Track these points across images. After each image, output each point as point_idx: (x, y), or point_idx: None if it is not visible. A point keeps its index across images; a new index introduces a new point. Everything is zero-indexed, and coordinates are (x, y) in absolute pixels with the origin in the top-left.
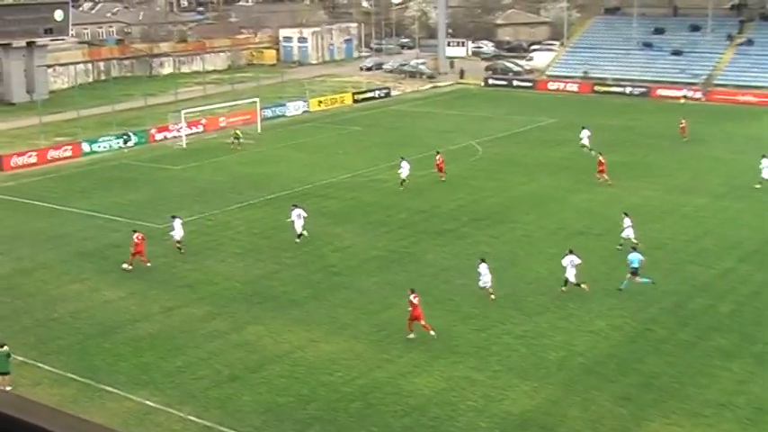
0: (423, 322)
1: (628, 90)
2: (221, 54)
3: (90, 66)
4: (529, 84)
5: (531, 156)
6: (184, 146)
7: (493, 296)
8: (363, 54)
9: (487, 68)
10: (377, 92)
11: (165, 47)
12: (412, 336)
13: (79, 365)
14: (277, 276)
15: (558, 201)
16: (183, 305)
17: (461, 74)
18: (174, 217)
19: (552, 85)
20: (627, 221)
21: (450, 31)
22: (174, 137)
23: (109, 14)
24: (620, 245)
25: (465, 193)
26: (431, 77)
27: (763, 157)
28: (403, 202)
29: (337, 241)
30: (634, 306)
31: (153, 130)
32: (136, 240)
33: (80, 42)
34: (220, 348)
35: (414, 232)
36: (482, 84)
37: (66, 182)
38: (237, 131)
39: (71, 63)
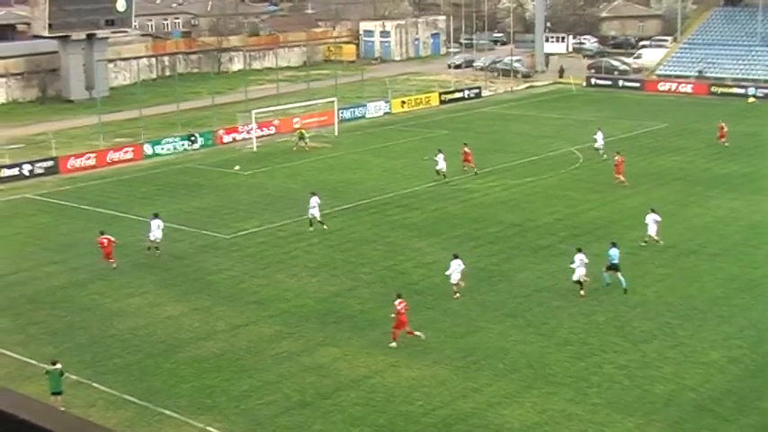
0: (407, 328)
1: (750, 91)
2: (296, 49)
3: (154, 60)
4: (636, 84)
5: (638, 164)
6: (255, 149)
7: (457, 294)
8: (452, 50)
9: (590, 67)
10: (466, 92)
11: (234, 40)
12: (394, 344)
13: (137, 387)
14: (354, 294)
15: (668, 215)
16: (251, 323)
17: (561, 73)
18: (154, 216)
19: (663, 86)
20: (652, 217)
21: (548, 24)
22: (244, 139)
23: (175, 5)
24: (645, 241)
25: (563, 205)
26: (527, 76)
27: None
28: (493, 214)
29: (420, 256)
30: (754, 335)
31: (221, 132)
32: (103, 242)
33: (143, 35)
34: (290, 371)
35: (505, 248)
36: (584, 84)
37: (126, 186)
38: (303, 131)
39: (133, 57)
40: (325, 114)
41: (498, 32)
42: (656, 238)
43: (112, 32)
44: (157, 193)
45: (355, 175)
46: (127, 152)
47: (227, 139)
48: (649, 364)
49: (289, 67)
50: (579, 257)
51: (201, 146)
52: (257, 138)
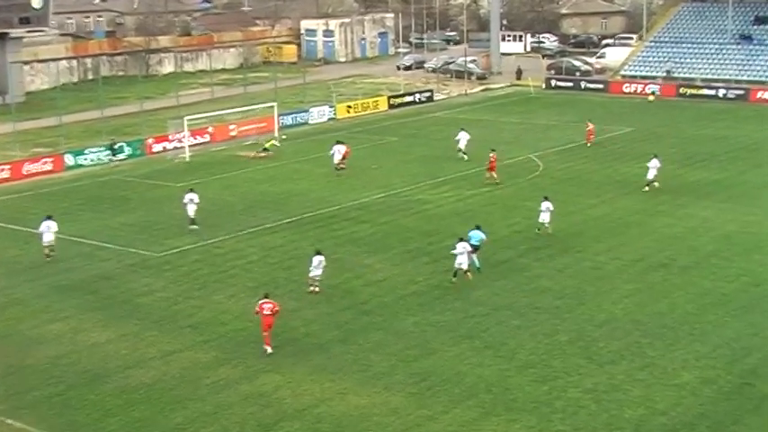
0: (265, 333)
1: (721, 93)
2: (231, 50)
3: (75, 63)
4: (600, 86)
5: (602, 172)
6: (187, 159)
7: (316, 288)
8: (401, 50)
9: (550, 67)
10: (417, 95)
11: (164, 41)
12: (269, 350)
13: (58, 421)
14: (298, 315)
15: (635, 226)
16: (185, 349)
17: (518, 74)
18: (47, 217)
19: (628, 88)
20: (545, 205)
21: (504, 22)
22: (176, 148)
23: (98, 1)
24: (538, 229)
25: (522, 216)
26: (482, 78)
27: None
28: (448, 226)
29: (369, 274)
30: (729, 354)
31: (150, 140)
32: None
33: (63, 35)
34: (229, 401)
35: None
36: (543, 86)
37: (45, 201)
38: (274, 141)
39: (52, 59)
40: (265, 120)
41: (451, 31)
42: (546, 226)
43: (28, 32)
44: (80, 208)
45: (298, 186)
46: (45, 163)
47: (156, 148)
48: (617, 387)
49: (224, 70)
50: (462, 245)
51: (129, 156)
52: (190, 147)
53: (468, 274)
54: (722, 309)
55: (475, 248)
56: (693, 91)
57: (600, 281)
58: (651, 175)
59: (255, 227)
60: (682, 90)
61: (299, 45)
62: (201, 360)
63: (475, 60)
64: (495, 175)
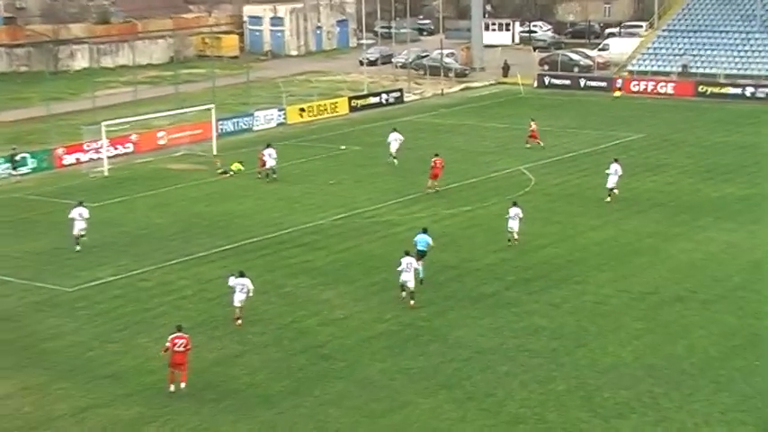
0: (174, 371)
1: (749, 91)
2: (160, 41)
3: None
4: (603, 84)
5: (606, 188)
6: (106, 173)
7: (239, 321)
8: (364, 42)
9: (543, 62)
10: (384, 96)
11: (77, 29)
12: (172, 388)
13: None
14: (240, 361)
15: (646, 252)
16: (103, 404)
17: (505, 70)
18: (79, 204)
19: (637, 86)
20: (513, 211)
21: (488, 8)
22: (91, 160)
23: None
24: (509, 240)
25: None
26: (461, 75)
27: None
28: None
29: (327, 311)
30: (760, 407)
31: (59, 151)
32: None
33: None
34: None
35: (438, 298)
36: (535, 84)
37: None
38: (239, 166)
39: None
40: (200, 127)
41: (424, 19)
42: (515, 236)
43: None
44: None
45: (241, 206)
46: None
47: (68, 160)
48: None
49: (151, 65)
50: (407, 261)
51: (33, 170)
52: (109, 158)
53: (412, 302)
54: (752, 352)
55: (421, 255)
56: (715, 89)
57: (604, 318)
58: (612, 182)
59: (189, 255)
60: (701, 88)
61: (241, 35)
62: (123, 417)
63: (453, 54)
64: (437, 184)
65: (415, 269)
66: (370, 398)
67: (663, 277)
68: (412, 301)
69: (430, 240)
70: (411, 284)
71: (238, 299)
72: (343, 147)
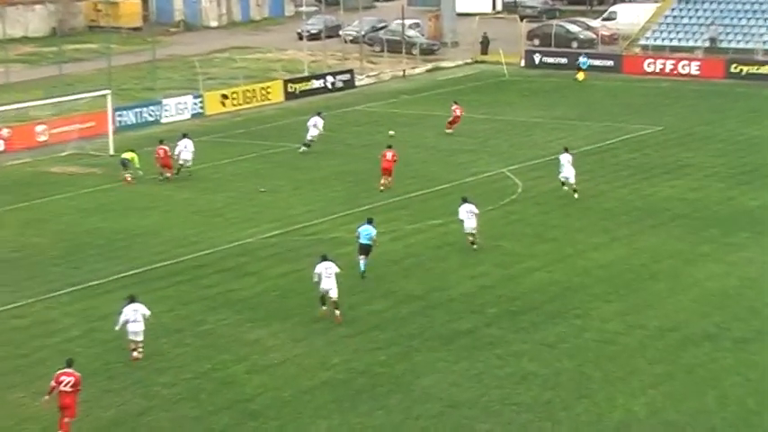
0: (68, 420)
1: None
2: (38, 8)
3: None
4: (609, 63)
5: (613, 195)
6: None
7: (138, 354)
8: (304, 10)
9: (532, 35)
10: (330, 79)
11: None
12: None
13: None
14: (145, 421)
15: (664, 277)
16: None
17: (485, 45)
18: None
19: (652, 65)
20: (465, 208)
21: None
22: None
23: None
24: (473, 243)
25: (492, 263)
26: (429, 52)
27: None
28: (380, 280)
29: (257, 354)
30: None
31: None
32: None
33: None
34: None
35: (399, 337)
36: (522, 63)
37: None
38: (132, 155)
39: None
40: (92, 118)
41: None
42: (473, 233)
43: None
44: None
45: (146, 221)
46: None
47: None
48: None
49: (27, 39)
50: (325, 266)
51: None
52: None
53: (338, 312)
54: None
55: (365, 250)
56: (751, 69)
57: (611, 362)
58: (569, 173)
59: (78, 284)
60: (733, 68)
61: (145, 1)
62: None
63: (418, 25)
64: (390, 180)
65: (360, 263)
66: None
67: (686, 309)
68: (337, 312)
69: (374, 233)
70: (334, 293)
71: (133, 330)
72: (262, 189)
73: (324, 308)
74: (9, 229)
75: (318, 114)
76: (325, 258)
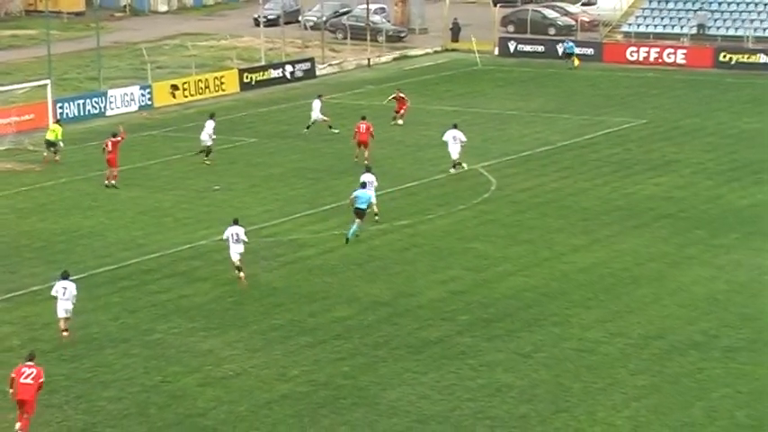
0: (27, 416)
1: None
2: None
3: None
4: (589, 51)
5: (593, 193)
6: None
7: (66, 333)
8: None
9: (507, 21)
10: (288, 68)
11: None
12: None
13: None
14: None
15: (648, 282)
16: None
17: (455, 32)
18: None
19: (635, 53)
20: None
21: None
22: None
23: None
24: (377, 220)
25: (464, 267)
26: (396, 39)
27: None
28: (342, 285)
29: (211, 365)
30: None
31: None
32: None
33: None
34: None
35: (364, 346)
36: (496, 52)
37: None
38: (55, 131)
39: None
40: (31, 110)
41: None
42: (375, 210)
43: None
44: None
45: (88, 221)
46: None
47: None
48: None
49: None
50: (232, 231)
51: None
52: None
53: (242, 275)
54: None
55: (360, 215)
56: (741, 58)
57: (592, 372)
58: (455, 152)
59: (15, 291)
60: (723, 57)
61: None
62: None
63: (383, 10)
64: (366, 155)
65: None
66: None
67: (672, 316)
68: (242, 274)
69: (372, 197)
70: (236, 257)
71: (63, 307)
72: (216, 186)
73: (241, 275)
74: None
75: (319, 97)
76: (236, 222)
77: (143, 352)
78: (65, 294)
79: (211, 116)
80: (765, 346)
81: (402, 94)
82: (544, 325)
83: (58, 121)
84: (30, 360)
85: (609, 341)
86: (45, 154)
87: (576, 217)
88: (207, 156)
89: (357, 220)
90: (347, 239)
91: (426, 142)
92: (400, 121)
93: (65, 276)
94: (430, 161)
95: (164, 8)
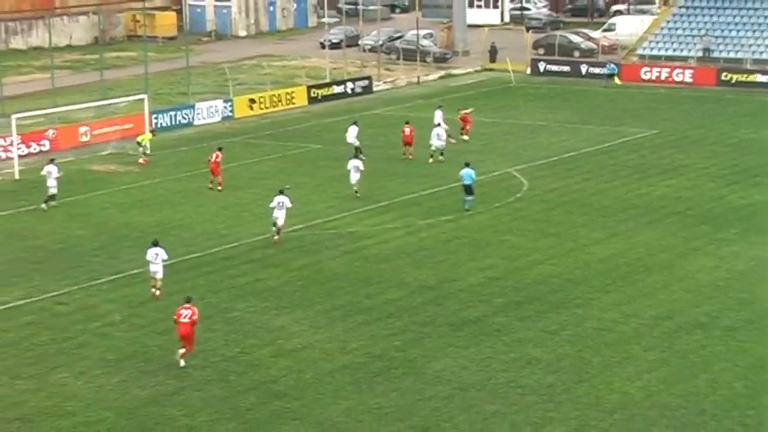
0: (185, 348)
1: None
2: (82, 19)
3: None
4: (609, 71)
5: (612, 193)
6: (17, 175)
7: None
8: (326, 21)
9: (538, 45)
10: (349, 85)
11: None
12: (182, 363)
13: None
14: (178, 400)
15: (659, 270)
16: None
17: (493, 54)
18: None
19: (648, 73)
20: (278, 199)
21: None
22: None
23: None
24: (356, 191)
25: (499, 256)
26: (441, 60)
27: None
28: (394, 272)
29: (282, 340)
30: None
31: None
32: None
33: None
34: None
35: (412, 324)
36: (528, 71)
37: None
38: (148, 136)
39: None
40: (130, 120)
41: None
42: (354, 188)
43: None
44: None
45: (178, 215)
46: None
47: None
48: None
49: (71, 48)
50: (279, 199)
51: None
52: (21, 158)
53: (278, 237)
54: None
55: (468, 190)
56: (741, 77)
57: (609, 348)
58: (436, 141)
59: (116, 274)
60: (725, 76)
61: (179, 12)
62: None
63: (431, 35)
64: (411, 152)
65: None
66: None
67: (679, 300)
68: (278, 237)
69: (474, 173)
70: (281, 222)
71: (154, 270)
72: (287, 186)
73: (276, 236)
74: (55, 222)
75: (354, 123)
76: (281, 192)
77: (224, 327)
78: (156, 259)
79: (354, 123)
80: (761, 326)
81: (466, 112)
82: (568, 307)
83: (152, 131)
84: (187, 303)
85: (624, 321)
86: (141, 160)
87: (597, 214)
88: (360, 153)
89: (469, 197)
90: (466, 210)
91: (467, 149)
92: (466, 137)
93: (155, 244)
94: (472, 165)
95: (243, 33)
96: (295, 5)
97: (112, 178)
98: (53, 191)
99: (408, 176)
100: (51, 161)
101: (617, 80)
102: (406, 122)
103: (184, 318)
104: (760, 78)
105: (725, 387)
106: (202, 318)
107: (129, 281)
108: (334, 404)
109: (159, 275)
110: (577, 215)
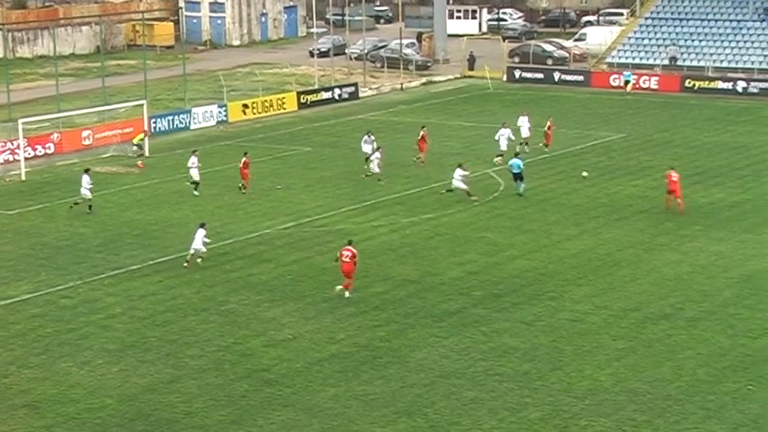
0: (348, 281)
1: (741, 86)
2: (84, 29)
3: None
4: (579, 78)
5: (584, 192)
6: (23, 177)
7: (199, 259)
8: (314, 30)
9: (513, 54)
10: (337, 91)
11: None
12: (347, 294)
13: None
14: (176, 388)
15: (627, 264)
16: None
17: (471, 62)
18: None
19: (616, 80)
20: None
21: None
22: (7, 162)
23: None
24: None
25: (478, 252)
26: (423, 68)
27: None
28: (379, 266)
29: (273, 331)
30: None
31: None
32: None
33: None
34: None
35: (396, 315)
36: (504, 78)
37: None
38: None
39: None
40: (130, 125)
41: (381, 5)
42: (279, 187)
43: None
44: None
45: (176, 214)
46: None
47: None
48: None
49: (74, 56)
50: (459, 173)
51: None
52: (27, 160)
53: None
54: (744, 374)
55: (519, 177)
56: (703, 84)
57: (581, 337)
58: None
59: (118, 269)
60: (688, 83)
61: (176, 23)
62: None
63: (413, 44)
64: (422, 156)
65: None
66: (320, 427)
67: (646, 292)
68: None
69: (522, 163)
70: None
71: (194, 246)
72: (279, 186)
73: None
74: (59, 220)
75: (368, 133)
76: (461, 166)
77: (219, 319)
78: (195, 236)
79: (368, 132)
80: (722, 316)
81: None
82: (543, 299)
83: (145, 131)
84: (348, 244)
85: (595, 312)
86: (139, 163)
87: (570, 212)
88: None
89: (521, 183)
90: (519, 194)
91: (447, 151)
92: (547, 147)
93: (202, 225)
94: (451, 166)
95: (237, 42)
96: (285, 16)
97: (113, 179)
98: (87, 196)
99: (394, 178)
100: (86, 171)
101: (629, 89)
102: (423, 126)
103: (346, 258)
104: (721, 85)
105: (688, 374)
106: (199, 310)
107: (129, 275)
108: (322, 391)
109: (195, 252)
110: (551, 213)
